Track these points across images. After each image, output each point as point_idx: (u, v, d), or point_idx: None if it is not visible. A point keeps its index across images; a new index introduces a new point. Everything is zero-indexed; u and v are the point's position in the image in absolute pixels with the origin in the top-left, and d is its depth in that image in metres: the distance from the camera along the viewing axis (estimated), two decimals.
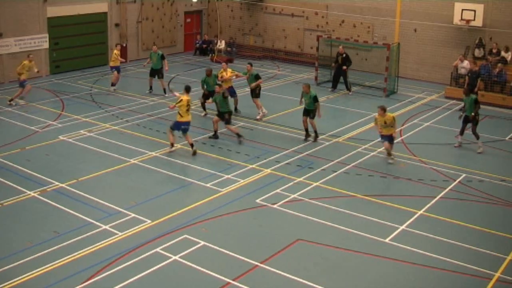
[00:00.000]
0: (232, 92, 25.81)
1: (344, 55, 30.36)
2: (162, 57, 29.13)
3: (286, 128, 24.39)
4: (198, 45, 40.84)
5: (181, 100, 20.92)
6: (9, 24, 30.96)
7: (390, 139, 21.02)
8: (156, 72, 29.36)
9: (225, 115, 22.58)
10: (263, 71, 35.71)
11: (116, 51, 29.73)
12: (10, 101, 26.87)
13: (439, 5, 32.70)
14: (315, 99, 22.64)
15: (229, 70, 26.14)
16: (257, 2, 39.59)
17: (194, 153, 21.02)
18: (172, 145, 21.24)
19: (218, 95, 22.70)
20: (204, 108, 26.05)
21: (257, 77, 25.56)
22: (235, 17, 41.57)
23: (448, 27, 32.35)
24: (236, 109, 26.02)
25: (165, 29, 39.65)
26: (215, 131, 22.90)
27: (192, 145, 21.12)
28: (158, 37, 39.13)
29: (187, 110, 21.05)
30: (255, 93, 25.76)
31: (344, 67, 30.39)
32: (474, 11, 30.64)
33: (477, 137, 22.36)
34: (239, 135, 22.55)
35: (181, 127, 21.09)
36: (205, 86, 25.53)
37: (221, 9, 41.84)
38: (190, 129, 21.35)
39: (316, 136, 22.91)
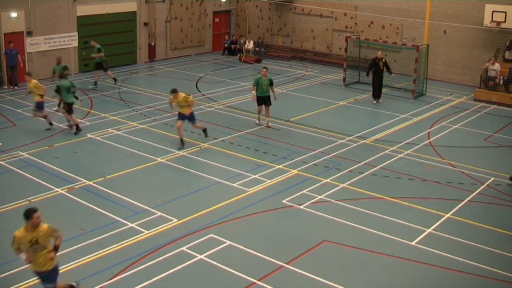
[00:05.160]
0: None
1: (384, 60, 28.89)
2: (99, 50, 30.30)
3: (313, 129, 24.32)
4: (226, 45, 40.90)
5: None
6: (39, 23, 31.28)
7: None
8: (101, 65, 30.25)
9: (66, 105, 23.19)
10: (291, 71, 35.72)
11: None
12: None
13: (469, 7, 32.39)
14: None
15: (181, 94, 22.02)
16: (286, 2, 39.54)
17: None
18: None
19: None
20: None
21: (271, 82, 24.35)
22: (263, 17, 41.56)
23: (478, 29, 32.04)
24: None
25: (193, 29, 39.77)
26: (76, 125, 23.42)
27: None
28: (186, 37, 39.30)
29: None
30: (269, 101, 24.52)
31: (392, 74, 29.57)
32: (505, 12, 30.27)
33: None
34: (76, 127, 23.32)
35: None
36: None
37: (249, 9, 41.89)
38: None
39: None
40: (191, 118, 21.98)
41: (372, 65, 28.85)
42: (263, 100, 24.20)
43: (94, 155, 20.93)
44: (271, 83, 24.11)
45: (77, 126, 23.07)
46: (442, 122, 25.96)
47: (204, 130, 22.49)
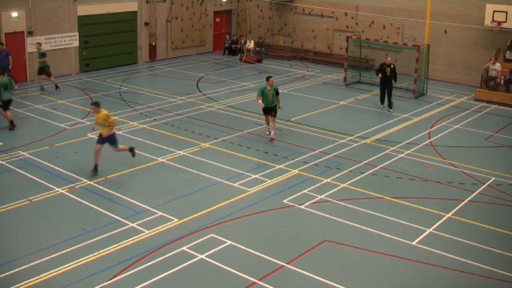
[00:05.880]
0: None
1: (392, 66, 27.79)
2: (44, 55, 29.10)
3: (314, 128, 24.31)
4: (227, 44, 40.90)
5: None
6: (39, 22, 31.26)
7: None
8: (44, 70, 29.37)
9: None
10: (292, 71, 35.70)
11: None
12: None
13: (470, 7, 32.37)
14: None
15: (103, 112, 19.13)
16: (287, 2, 39.53)
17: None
18: None
19: None
20: None
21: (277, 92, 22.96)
22: (264, 17, 41.55)
23: (479, 29, 32.01)
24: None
25: (194, 29, 39.75)
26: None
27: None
28: (187, 37, 39.27)
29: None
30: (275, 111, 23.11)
31: (396, 82, 28.34)
32: (506, 12, 30.25)
33: None
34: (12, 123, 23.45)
35: None
36: None
37: (250, 9, 41.88)
38: None
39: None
40: (111, 141, 19.29)
41: (379, 70, 28.15)
42: (268, 110, 22.98)
43: None
44: (277, 93, 22.84)
45: (11, 122, 23.36)
46: (443, 122, 25.94)
47: (131, 150, 20.08)
